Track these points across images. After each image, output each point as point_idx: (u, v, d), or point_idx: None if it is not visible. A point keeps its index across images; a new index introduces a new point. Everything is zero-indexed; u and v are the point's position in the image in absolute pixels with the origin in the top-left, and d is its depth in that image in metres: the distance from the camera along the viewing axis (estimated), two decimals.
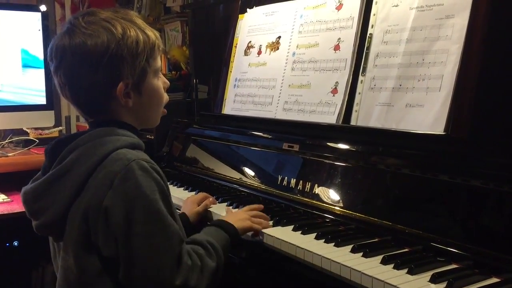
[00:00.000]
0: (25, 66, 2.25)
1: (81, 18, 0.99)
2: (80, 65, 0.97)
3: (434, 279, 0.93)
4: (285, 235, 1.18)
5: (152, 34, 1.04)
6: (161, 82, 1.08)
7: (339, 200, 1.28)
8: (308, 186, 1.37)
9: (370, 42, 1.38)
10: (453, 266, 1.00)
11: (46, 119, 2.27)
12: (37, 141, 2.15)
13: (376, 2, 1.39)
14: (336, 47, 1.48)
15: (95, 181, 0.94)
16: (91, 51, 0.96)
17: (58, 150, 1.00)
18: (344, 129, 1.40)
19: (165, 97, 1.11)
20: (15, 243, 1.97)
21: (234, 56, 1.90)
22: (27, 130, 2.27)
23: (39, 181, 1.00)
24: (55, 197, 0.96)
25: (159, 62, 1.07)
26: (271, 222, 1.26)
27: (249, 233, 1.21)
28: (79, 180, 0.94)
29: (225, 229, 1.14)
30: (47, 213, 0.97)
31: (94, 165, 0.94)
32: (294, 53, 1.62)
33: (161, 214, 0.94)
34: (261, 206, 1.32)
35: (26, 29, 2.23)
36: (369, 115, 1.34)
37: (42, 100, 2.25)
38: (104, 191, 0.92)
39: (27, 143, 2.15)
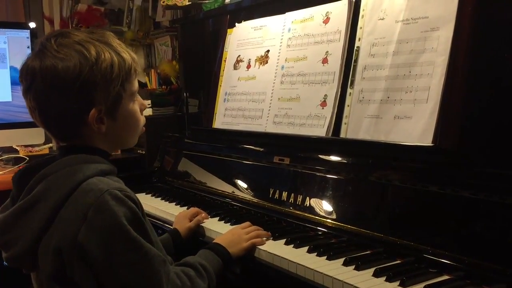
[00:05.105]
0: (14, 83, 2.25)
1: (53, 40, 0.94)
2: (50, 90, 0.93)
3: None
4: (277, 249, 1.18)
5: (128, 56, 0.99)
6: (137, 105, 1.04)
7: (330, 213, 1.28)
8: (299, 199, 1.37)
9: (357, 55, 1.40)
10: (445, 277, 1.00)
11: (36, 136, 2.26)
12: (27, 158, 2.13)
13: (363, 16, 1.41)
14: (324, 60, 1.49)
15: (66, 214, 0.90)
16: (62, 76, 0.91)
17: (26, 179, 0.95)
18: (334, 141, 1.41)
19: (142, 119, 1.06)
20: (5, 263, 1.94)
21: (223, 70, 1.91)
22: (16, 148, 2.26)
23: (7, 212, 0.96)
24: (23, 230, 0.92)
25: (136, 85, 1.03)
26: (268, 239, 1.25)
27: None
28: (49, 213, 0.90)
29: (219, 254, 1.14)
30: (15, 246, 0.93)
31: (64, 196, 0.90)
32: (283, 67, 1.64)
33: (139, 241, 0.91)
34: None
35: (15, 46, 2.23)
36: (358, 127, 1.35)
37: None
38: (77, 225, 0.88)
39: (17, 161, 2.14)
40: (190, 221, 1.40)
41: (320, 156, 1.38)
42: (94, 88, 0.94)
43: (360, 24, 1.41)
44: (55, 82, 0.92)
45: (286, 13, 1.67)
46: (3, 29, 2.23)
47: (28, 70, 0.95)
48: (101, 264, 0.89)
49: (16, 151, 2.24)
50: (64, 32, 0.97)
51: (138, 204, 0.95)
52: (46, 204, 0.91)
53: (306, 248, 1.16)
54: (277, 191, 1.45)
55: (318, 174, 1.36)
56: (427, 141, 1.18)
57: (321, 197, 1.32)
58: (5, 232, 0.95)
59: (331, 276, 1.01)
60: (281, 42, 1.67)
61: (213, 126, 1.88)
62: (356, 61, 1.40)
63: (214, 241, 1.22)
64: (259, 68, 1.74)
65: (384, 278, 0.99)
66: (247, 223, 1.30)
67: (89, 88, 0.93)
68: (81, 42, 0.94)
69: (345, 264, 1.07)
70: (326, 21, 1.52)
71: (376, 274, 1.01)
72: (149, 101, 2.28)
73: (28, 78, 0.95)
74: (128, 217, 0.90)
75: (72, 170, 0.93)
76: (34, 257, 0.92)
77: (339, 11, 1.48)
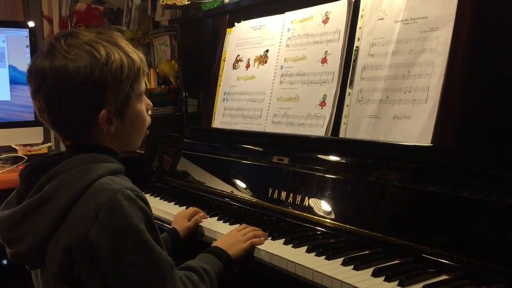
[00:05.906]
0: (13, 82, 2.24)
1: (62, 40, 0.94)
2: (61, 91, 0.92)
3: None
4: (276, 249, 1.18)
5: (137, 57, 0.99)
6: (144, 105, 1.04)
7: (329, 212, 1.28)
8: (298, 198, 1.37)
9: (356, 55, 1.40)
10: (444, 277, 1.00)
11: (35, 135, 2.26)
12: (26, 158, 2.13)
13: (362, 16, 1.41)
14: (324, 60, 1.49)
15: (78, 212, 0.89)
16: (73, 77, 0.91)
17: (34, 176, 0.95)
18: (333, 141, 1.41)
19: (148, 119, 1.07)
20: (4, 262, 1.95)
21: (222, 70, 1.90)
22: (15, 147, 2.25)
23: (15, 209, 0.94)
24: (33, 228, 0.91)
25: (143, 85, 1.03)
26: (266, 239, 1.25)
27: None
28: (60, 211, 0.90)
29: (219, 257, 1.14)
30: (23, 243, 0.92)
31: (77, 195, 0.90)
32: (282, 66, 1.64)
33: (150, 243, 0.91)
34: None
35: (14, 45, 2.23)
36: (357, 127, 1.35)
37: (31, 117, 2.23)
38: (88, 224, 0.88)
39: (16, 160, 2.14)
40: (189, 221, 1.40)
41: (319, 156, 1.37)
42: (105, 89, 0.94)
43: (359, 24, 1.41)
44: (66, 83, 0.92)
45: (286, 13, 1.67)
46: (2, 28, 2.22)
47: (38, 70, 0.94)
48: (110, 264, 0.89)
49: (15, 150, 2.23)
50: (73, 32, 0.97)
51: (148, 204, 0.95)
52: (58, 202, 0.90)
53: (305, 247, 1.16)
54: (276, 191, 1.44)
55: (317, 174, 1.36)
56: (426, 141, 1.18)
57: (320, 197, 1.32)
58: (12, 228, 0.94)
59: (330, 276, 1.01)
60: (280, 42, 1.67)
61: (212, 126, 1.88)
62: (355, 61, 1.40)
63: (212, 245, 1.21)
64: (258, 67, 1.74)
65: (383, 278, 0.99)
66: (243, 225, 1.30)
67: (100, 89, 0.93)
68: (91, 42, 0.94)
69: (344, 264, 1.07)
70: (326, 21, 1.52)
71: (375, 274, 1.01)
72: None
73: (37, 79, 0.94)
74: (140, 218, 0.91)
75: (84, 169, 0.93)
76: (42, 254, 0.92)
77: (339, 11, 1.48)
